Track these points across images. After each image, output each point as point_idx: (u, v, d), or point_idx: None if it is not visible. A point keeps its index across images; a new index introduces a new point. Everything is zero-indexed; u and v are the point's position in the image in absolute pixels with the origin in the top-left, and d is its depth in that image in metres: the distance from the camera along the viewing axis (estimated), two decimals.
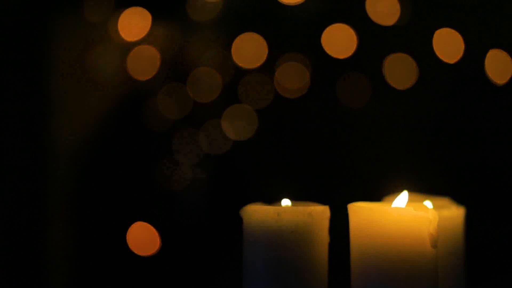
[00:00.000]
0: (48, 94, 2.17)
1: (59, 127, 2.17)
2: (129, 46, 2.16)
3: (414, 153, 2.11)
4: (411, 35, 2.08)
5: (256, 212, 0.96)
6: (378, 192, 1.11)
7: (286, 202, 1.00)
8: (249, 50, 2.14)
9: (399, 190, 0.99)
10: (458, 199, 1.11)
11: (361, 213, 0.92)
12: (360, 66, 2.11)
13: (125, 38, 2.15)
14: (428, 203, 1.04)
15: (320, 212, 0.96)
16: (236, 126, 2.16)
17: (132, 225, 2.12)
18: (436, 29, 2.03)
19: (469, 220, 1.11)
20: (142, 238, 2.13)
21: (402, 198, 0.97)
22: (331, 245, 0.98)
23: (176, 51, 2.18)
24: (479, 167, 2.12)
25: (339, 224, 1.00)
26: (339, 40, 2.09)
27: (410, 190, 1.06)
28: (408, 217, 0.90)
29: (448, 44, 2.03)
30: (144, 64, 2.17)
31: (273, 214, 0.95)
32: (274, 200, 1.01)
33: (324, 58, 2.09)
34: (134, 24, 2.15)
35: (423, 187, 1.17)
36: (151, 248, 2.12)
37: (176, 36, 2.18)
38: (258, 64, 2.14)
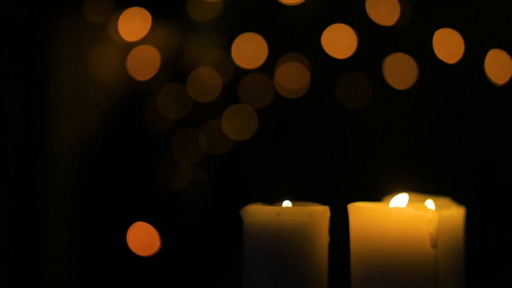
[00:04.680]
0: (48, 94, 2.17)
1: (59, 127, 2.17)
2: (129, 46, 2.16)
3: (414, 153, 2.11)
4: (411, 35, 2.08)
5: (256, 212, 0.96)
6: (378, 192, 1.11)
7: (287, 203, 1.00)
8: (249, 50, 2.14)
9: (399, 191, 0.99)
10: (458, 199, 1.11)
11: (361, 213, 0.92)
12: (360, 66, 2.11)
13: (125, 38, 2.15)
14: (430, 203, 1.04)
15: (320, 212, 0.96)
16: (236, 126, 2.17)
17: (132, 225, 2.12)
18: (436, 29, 2.03)
19: (469, 220, 1.11)
20: (142, 238, 2.13)
21: (402, 199, 0.97)
22: (331, 245, 0.98)
23: (176, 51, 2.18)
24: (479, 167, 2.12)
25: (339, 224, 1.00)
26: (339, 40, 2.09)
27: (410, 190, 1.06)
28: (408, 217, 0.90)
29: (448, 44, 2.03)
30: (144, 64, 2.17)
31: (273, 214, 0.95)
32: (274, 200, 1.01)
33: (324, 58, 2.09)
34: (134, 24, 2.15)
35: (423, 187, 1.17)
36: (151, 248, 2.12)
37: (176, 36, 2.18)
38: (258, 64, 2.14)
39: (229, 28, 2.18)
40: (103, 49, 2.18)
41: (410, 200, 0.99)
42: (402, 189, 1.00)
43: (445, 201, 1.10)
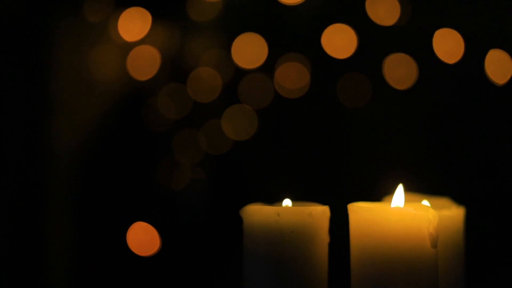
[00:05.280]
0: (48, 94, 2.17)
1: (59, 127, 2.17)
2: (129, 46, 2.16)
3: (414, 153, 2.11)
4: (411, 35, 2.08)
5: (256, 212, 0.96)
6: (378, 192, 1.11)
7: (287, 202, 1.00)
8: (249, 50, 2.14)
9: (395, 187, 0.99)
10: (458, 199, 1.11)
11: (361, 213, 0.92)
12: (360, 66, 2.11)
13: (125, 38, 2.15)
14: (425, 202, 1.04)
15: (320, 212, 0.96)
16: (236, 126, 2.17)
17: (132, 225, 2.12)
18: (436, 29, 2.03)
19: (469, 220, 1.11)
20: (142, 238, 2.13)
21: (399, 193, 0.97)
22: (331, 245, 0.98)
23: (176, 51, 2.18)
24: (479, 167, 2.12)
25: (339, 224, 1.00)
26: (339, 40, 2.09)
27: (410, 190, 1.06)
28: (408, 217, 0.90)
29: (448, 44, 2.03)
30: (144, 64, 2.17)
31: (273, 214, 0.95)
32: (274, 200, 1.01)
33: (324, 58, 2.09)
34: (134, 24, 2.15)
35: (423, 187, 1.17)
36: (151, 248, 2.12)
37: (176, 36, 2.18)
38: (258, 64, 2.14)
39: (229, 28, 2.18)
40: (103, 49, 2.18)
41: (409, 200, 0.99)
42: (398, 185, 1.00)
43: (445, 201, 1.10)
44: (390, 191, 1.00)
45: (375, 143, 2.13)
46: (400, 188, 0.97)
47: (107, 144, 2.21)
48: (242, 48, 2.14)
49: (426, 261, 0.90)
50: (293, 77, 2.14)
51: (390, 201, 0.97)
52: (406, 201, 0.97)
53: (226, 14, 2.18)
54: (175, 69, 2.18)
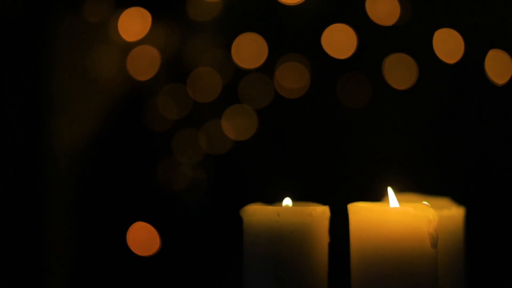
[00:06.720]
0: (48, 94, 2.17)
1: (59, 127, 2.17)
2: (129, 46, 2.16)
3: (414, 153, 2.11)
4: (411, 35, 2.08)
5: (256, 212, 0.96)
6: (378, 192, 1.11)
7: (287, 201, 1.00)
8: (249, 50, 2.14)
9: (395, 190, 0.99)
10: (458, 199, 1.11)
11: (361, 213, 0.92)
12: (360, 66, 2.11)
13: (125, 38, 2.15)
14: (426, 203, 1.04)
15: (320, 212, 0.96)
16: (236, 126, 2.17)
17: (132, 225, 2.12)
18: (436, 29, 2.03)
19: (469, 220, 1.11)
20: (142, 238, 2.13)
21: (391, 197, 0.97)
22: (331, 245, 0.98)
23: (176, 51, 2.18)
24: (479, 167, 2.12)
25: (339, 224, 1.00)
26: (339, 40, 2.09)
27: (410, 190, 1.06)
28: (408, 217, 0.90)
29: (448, 44, 2.03)
30: (144, 64, 2.17)
31: (273, 214, 0.95)
32: (274, 200, 1.01)
33: (324, 58, 2.09)
34: (134, 24, 2.15)
35: (423, 187, 1.17)
36: (151, 248, 2.12)
37: (176, 36, 2.18)
38: (258, 64, 2.14)
39: (229, 28, 2.18)
40: (103, 49, 2.18)
41: (409, 200, 0.99)
42: (402, 188, 1.00)
43: (445, 201, 1.10)
44: (383, 194, 1.00)
45: (375, 143, 2.13)
46: (390, 191, 0.97)
47: (107, 144, 2.22)
48: (242, 48, 2.14)
49: (426, 261, 0.90)
50: (293, 77, 2.14)
51: (389, 202, 0.97)
52: (405, 201, 0.97)
53: (226, 14, 2.18)
54: (175, 69, 2.18)
